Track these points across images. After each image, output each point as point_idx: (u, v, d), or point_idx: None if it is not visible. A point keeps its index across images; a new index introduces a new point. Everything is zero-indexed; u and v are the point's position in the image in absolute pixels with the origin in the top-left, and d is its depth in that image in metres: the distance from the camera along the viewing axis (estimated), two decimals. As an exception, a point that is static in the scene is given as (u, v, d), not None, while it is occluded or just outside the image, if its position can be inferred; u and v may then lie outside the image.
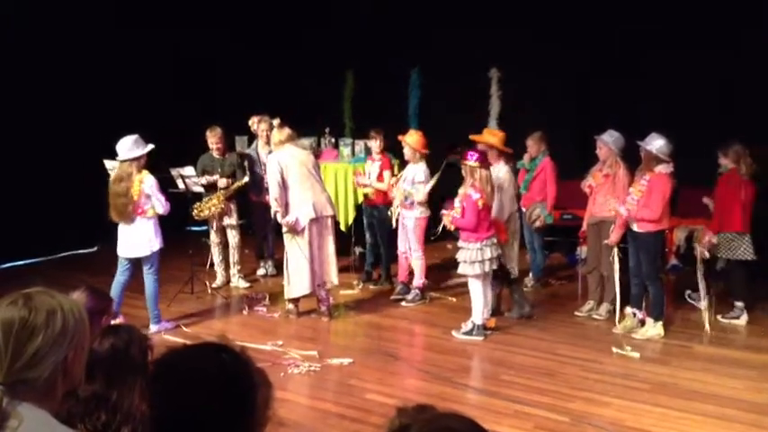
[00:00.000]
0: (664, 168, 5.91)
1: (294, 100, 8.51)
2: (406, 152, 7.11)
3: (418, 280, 7.18)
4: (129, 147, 5.97)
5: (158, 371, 1.57)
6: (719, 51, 7.48)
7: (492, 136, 6.70)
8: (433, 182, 6.88)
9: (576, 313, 6.68)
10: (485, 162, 6.04)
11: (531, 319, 6.56)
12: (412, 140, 7.08)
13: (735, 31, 7.48)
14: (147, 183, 6.01)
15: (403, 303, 7.10)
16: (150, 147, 6.06)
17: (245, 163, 7.63)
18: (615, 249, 6.31)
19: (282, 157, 6.43)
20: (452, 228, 6.14)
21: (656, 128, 6.04)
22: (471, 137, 6.74)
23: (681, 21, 7.69)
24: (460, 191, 6.07)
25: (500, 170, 6.50)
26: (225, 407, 1.48)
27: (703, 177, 7.20)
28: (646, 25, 7.81)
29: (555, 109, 8.43)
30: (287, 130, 6.53)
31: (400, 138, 7.15)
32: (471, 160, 5.95)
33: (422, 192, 6.94)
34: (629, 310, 6.25)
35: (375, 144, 7.46)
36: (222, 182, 7.35)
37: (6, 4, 7.77)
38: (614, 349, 5.81)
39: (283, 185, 6.39)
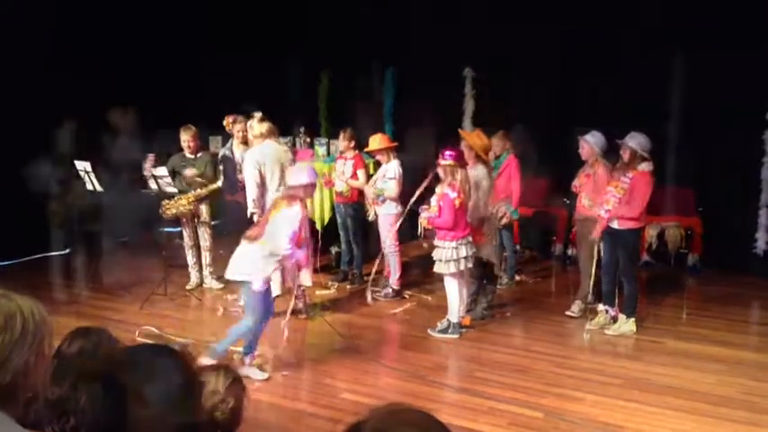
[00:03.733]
0: (646, 166, 5.93)
1: (269, 100, 8.45)
2: (379, 157, 7.19)
3: (393, 275, 7.19)
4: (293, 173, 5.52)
5: (111, 369, 1.55)
6: (719, 51, 7.54)
7: (478, 139, 6.50)
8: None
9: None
10: (461, 161, 6.03)
11: (493, 318, 6.58)
12: (376, 143, 7.10)
13: (735, 31, 7.52)
14: (282, 211, 5.15)
15: (376, 296, 7.12)
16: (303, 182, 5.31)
17: (220, 166, 7.51)
18: (600, 244, 6.28)
19: (260, 155, 6.37)
20: (430, 227, 6.14)
21: (655, 128, 6.07)
22: (461, 132, 6.73)
23: (681, 21, 7.69)
24: (437, 190, 6.06)
25: (478, 170, 6.48)
26: (179, 408, 1.47)
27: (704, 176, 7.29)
28: (646, 25, 7.78)
29: (552, 108, 8.39)
30: (267, 124, 6.49)
31: (367, 150, 7.20)
32: (448, 160, 5.92)
33: (392, 188, 6.97)
34: (601, 306, 6.30)
35: (342, 143, 7.46)
36: (190, 171, 7.14)
37: (6, 4, 7.64)
38: (585, 335, 5.99)
39: (261, 184, 6.33)
